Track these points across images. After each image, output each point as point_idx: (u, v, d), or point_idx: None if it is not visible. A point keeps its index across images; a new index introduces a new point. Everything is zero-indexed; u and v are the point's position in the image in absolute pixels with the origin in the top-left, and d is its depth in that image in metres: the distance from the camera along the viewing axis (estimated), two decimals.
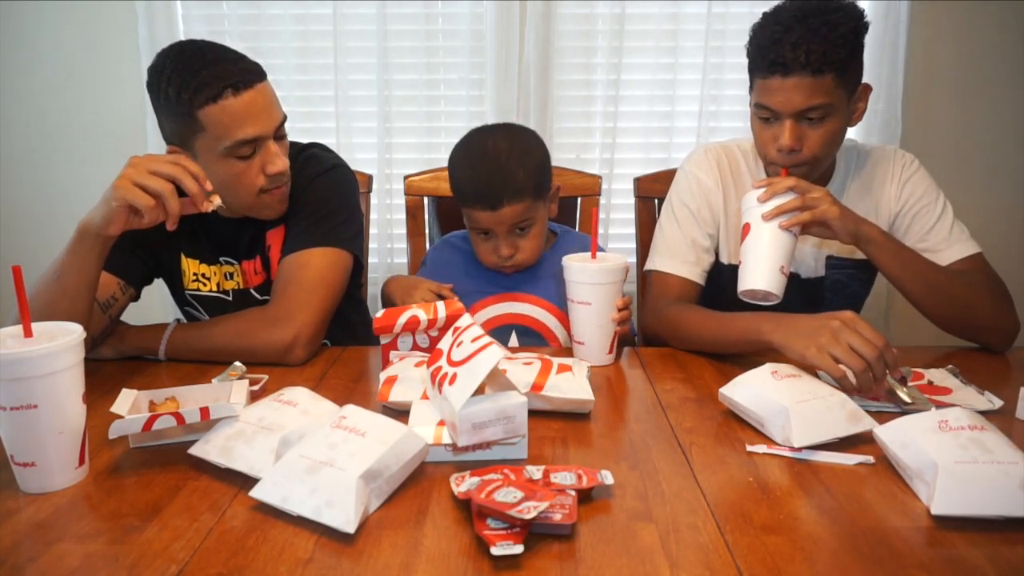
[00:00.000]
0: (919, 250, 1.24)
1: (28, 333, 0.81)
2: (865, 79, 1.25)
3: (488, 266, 1.39)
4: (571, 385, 0.98)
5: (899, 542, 0.71)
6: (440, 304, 1.10)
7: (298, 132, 1.58)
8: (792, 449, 0.88)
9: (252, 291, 1.34)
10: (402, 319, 1.08)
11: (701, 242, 1.36)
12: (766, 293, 1.12)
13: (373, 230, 2.03)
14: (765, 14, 1.22)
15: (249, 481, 0.80)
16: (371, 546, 0.71)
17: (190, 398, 0.97)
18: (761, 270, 1.12)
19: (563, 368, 1.01)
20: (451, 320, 1.07)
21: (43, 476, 0.81)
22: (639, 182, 1.66)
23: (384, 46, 2.11)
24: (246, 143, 1.15)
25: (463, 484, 0.77)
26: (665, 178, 1.51)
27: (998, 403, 1.01)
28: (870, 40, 1.32)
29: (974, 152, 2.19)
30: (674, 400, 1.05)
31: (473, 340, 0.88)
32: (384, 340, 1.11)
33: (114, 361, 1.22)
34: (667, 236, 1.38)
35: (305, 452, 0.78)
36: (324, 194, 1.30)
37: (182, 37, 2.07)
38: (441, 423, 0.88)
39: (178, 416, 0.83)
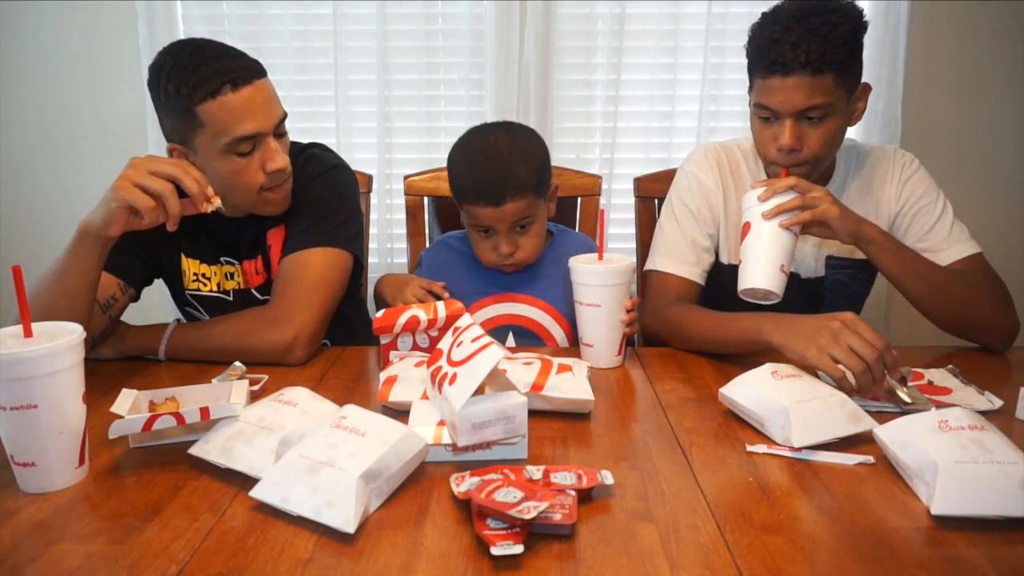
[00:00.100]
0: (919, 250, 1.24)
1: (28, 333, 0.81)
2: (865, 79, 1.25)
3: (488, 265, 1.39)
4: (571, 385, 0.98)
5: (899, 542, 0.71)
6: (440, 304, 1.10)
7: (298, 132, 1.58)
8: (792, 449, 0.89)
9: (253, 291, 1.34)
10: (402, 319, 1.08)
11: (701, 242, 1.36)
12: (766, 292, 1.12)
13: (373, 230, 2.03)
14: (764, 14, 1.22)
15: (249, 481, 0.80)
16: (371, 546, 0.71)
17: (190, 398, 0.97)
18: (761, 269, 1.12)
19: (563, 368, 1.01)
20: (451, 320, 1.07)
21: (43, 476, 0.81)
22: (639, 182, 1.66)
23: (384, 46, 2.11)
24: (245, 139, 1.15)
25: (463, 484, 0.77)
26: (665, 178, 1.51)
27: (998, 403, 1.01)
28: (870, 40, 1.33)
29: (974, 152, 2.19)
30: (674, 400, 1.05)
31: (473, 340, 0.88)
32: (384, 340, 1.11)
33: (114, 361, 1.22)
34: (667, 236, 1.38)
35: (305, 452, 0.78)
36: (325, 194, 1.30)
37: (182, 37, 2.07)
38: (441, 423, 0.88)
39: (178, 416, 0.83)
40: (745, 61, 1.24)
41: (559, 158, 2.03)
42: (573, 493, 0.75)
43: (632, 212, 1.68)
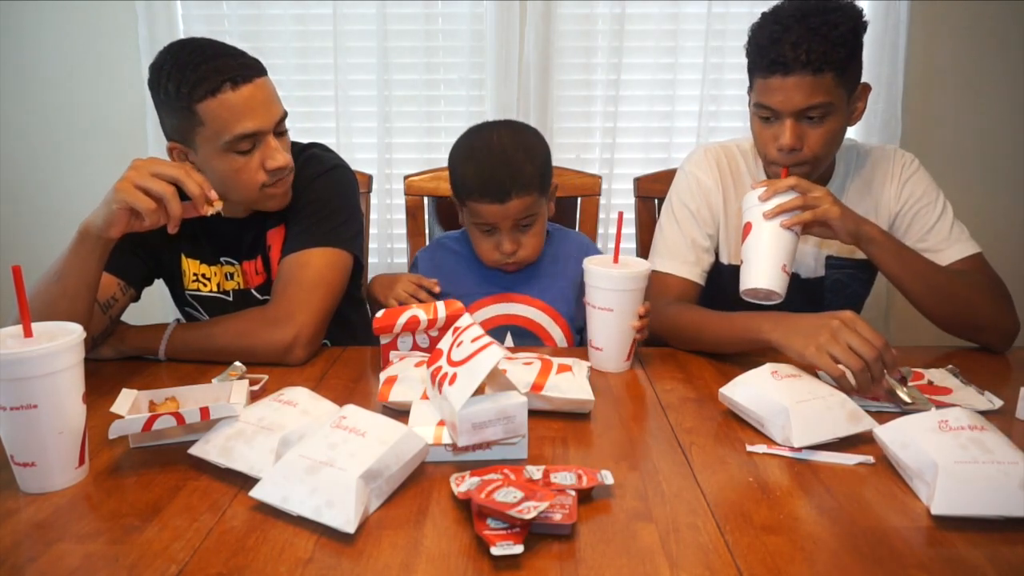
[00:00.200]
0: (919, 250, 1.24)
1: (28, 333, 0.81)
2: (865, 79, 1.25)
3: (489, 264, 1.38)
4: (571, 385, 0.98)
5: (899, 542, 0.71)
6: (440, 304, 1.10)
7: (298, 132, 1.58)
8: (792, 449, 0.89)
9: (253, 291, 1.34)
10: (402, 319, 1.08)
11: (701, 242, 1.36)
12: (768, 292, 1.12)
13: (373, 230, 2.03)
14: (764, 14, 1.22)
15: (249, 481, 0.80)
16: (371, 546, 0.71)
17: (190, 398, 0.97)
18: (763, 269, 1.12)
19: (563, 368, 1.01)
20: (451, 320, 1.07)
21: (43, 476, 0.81)
22: (639, 182, 1.66)
23: (384, 46, 2.11)
24: (245, 137, 1.15)
25: (463, 484, 0.77)
26: (665, 178, 1.51)
27: (998, 403, 1.01)
28: (870, 40, 1.33)
29: (974, 152, 2.19)
30: (674, 400, 1.05)
31: (473, 340, 0.88)
32: (384, 340, 1.11)
33: (114, 361, 1.22)
34: (667, 236, 1.38)
35: (305, 452, 0.78)
36: (325, 194, 1.30)
37: (182, 37, 2.07)
38: (441, 423, 0.88)
39: (178, 416, 0.83)
40: (745, 61, 1.24)
41: (559, 158, 2.02)
42: (573, 493, 0.75)
43: (632, 212, 1.68)
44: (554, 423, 0.97)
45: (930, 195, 1.31)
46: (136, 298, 1.30)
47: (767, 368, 0.97)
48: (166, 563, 0.69)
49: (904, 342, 1.17)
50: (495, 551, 0.66)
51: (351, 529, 0.71)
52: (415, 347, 1.11)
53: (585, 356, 1.17)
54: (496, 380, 0.88)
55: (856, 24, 1.18)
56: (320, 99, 2.18)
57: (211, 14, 2.16)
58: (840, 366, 0.96)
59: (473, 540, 0.72)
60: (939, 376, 1.10)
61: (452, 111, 2.20)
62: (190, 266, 1.34)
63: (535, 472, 0.80)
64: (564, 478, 0.78)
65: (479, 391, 0.86)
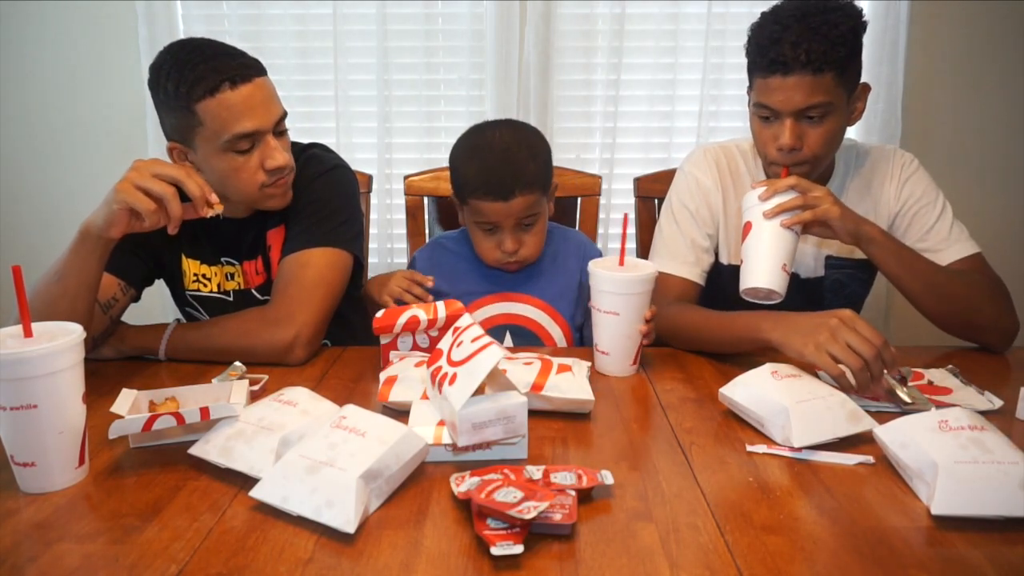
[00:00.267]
0: (919, 250, 1.24)
1: (28, 333, 0.81)
2: (865, 79, 1.25)
3: (490, 264, 1.38)
4: (571, 385, 0.98)
5: (899, 542, 0.71)
6: (440, 304, 1.10)
7: (298, 132, 1.58)
8: (792, 449, 0.89)
9: (253, 291, 1.34)
10: (402, 319, 1.08)
11: (700, 243, 1.36)
12: (768, 291, 1.12)
13: (373, 230, 2.03)
14: (764, 13, 1.22)
15: (249, 481, 0.80)
16: (371, 546, 0.71)
17: (190, 398, 0.97)
18: (763, 268, 1.12)
19: (563, 368, 1.01)
20: (451, 320, 1.07)
21: (43, 476, 0.81)
22: (639, 182, 1.66)
23: (384, 46, 2.11)
24: (244, 137, 1.15)
25: (463, 484, 0.77)
26: (665, 178, 1.51)
27: (998, 403, 1.01)
28: (870, 40, 1.33)
29: (974, 152, 2.19)
30: (674, 400, 1.05)
31: (473, 340, 0.88)
32: (384, 340, 1.11)
33: (114, 361, 1.22)
34: (667, 237, 1.38)
35: (305, 452, 0.78)
36: (325, 194, 1.30)
37: (182, 37, 2.07)
38: (441, 423, 0.88)
39: (178, 416, 0.83)
40: (745, 61, 1.24)
41: (559, 158, 2.01)
42: (573, 493, 0.75)
43: (632, 212, 1.68)
44: (554, 423, 0.97)
45: (930, 195, 1.31)
46: (136, 298, 1.30)
47: (767, 368, 0.97)
48: (166, 563, 0.69)
49: (904, 342, 1.17)
50: (495, 551, 0.66)
51: (351, 529, 0.71)
52: (415, 347, 1.11)
53: (585, 356, 1.17)
54: (496, 380, 0.88)
55: (856, 24, 1.18)
56: (320, 99, 2.18)
57: (211, 14, 2.16)
58: (840, 365, 0.96)
59: (473, 540, 0.72)
60: (939, 376, 1.10)
61: (452, 111, 2.20)
62: (190, 266, 1.34)
63: (535, 472, 0.80)
64: (564, 478, 0.78)
65: (479, 391, 0.86)
